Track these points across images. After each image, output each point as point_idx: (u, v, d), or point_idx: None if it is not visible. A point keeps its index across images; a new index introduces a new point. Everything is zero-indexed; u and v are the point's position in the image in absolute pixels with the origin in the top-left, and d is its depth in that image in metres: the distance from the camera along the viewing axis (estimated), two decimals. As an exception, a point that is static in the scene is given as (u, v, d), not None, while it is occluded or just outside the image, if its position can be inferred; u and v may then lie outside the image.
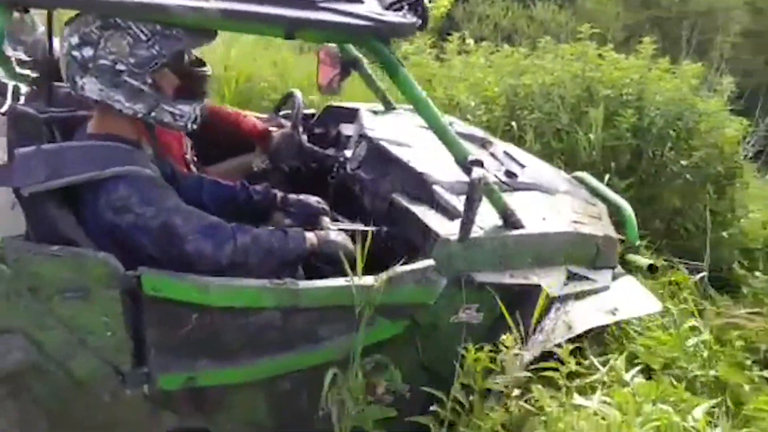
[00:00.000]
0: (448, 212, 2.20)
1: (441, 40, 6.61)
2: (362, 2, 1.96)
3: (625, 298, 2.39)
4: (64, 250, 1.68)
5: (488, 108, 5.08)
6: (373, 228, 2.19)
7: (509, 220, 2.19)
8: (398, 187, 2.38)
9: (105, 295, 1.70)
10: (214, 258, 1.84)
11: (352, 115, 2.99)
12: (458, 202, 2.17)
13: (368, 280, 1.90)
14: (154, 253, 1.81)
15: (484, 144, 2.88)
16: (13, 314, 1.68)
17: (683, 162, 4.53)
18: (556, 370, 1.90)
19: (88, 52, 1.78)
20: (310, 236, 2.04)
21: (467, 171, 2.02)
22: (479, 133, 3.06)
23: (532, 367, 1.94)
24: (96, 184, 1.77)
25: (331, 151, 2.84)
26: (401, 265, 1.95)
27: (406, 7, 2.02)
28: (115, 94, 1.82)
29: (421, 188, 2.32)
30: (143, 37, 1.78)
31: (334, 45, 2.57)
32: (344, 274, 1.90)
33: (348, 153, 2.72)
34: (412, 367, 2.04)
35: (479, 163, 2.03)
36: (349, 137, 2.86)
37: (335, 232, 2.12)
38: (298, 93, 2.96)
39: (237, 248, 1.87)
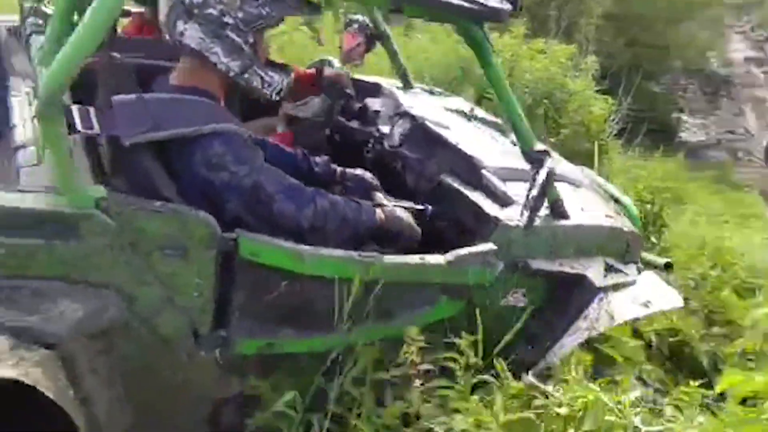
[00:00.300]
0: (498, 198, 2.25)
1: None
2: None
3: (654, 293, 2.50)
4: (166, 207, 1.66)
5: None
6: (429, 207, 2.22)
7: (558, 210, 2.26)
8: (445, 168, 2.40)
9: (202, 256, 1.69)
10: (295, 220, 1.84)
11: (374, 90, 2.98)
12: (506, 188, 2.27)
13: (439, 259, 1.97)
14: (241, 212, 1.79)
15: (503, 131, 2.93)
16: (112, 269, 1.63)
17: (551, 140, 4.68)
18: (454, 360, 1.92)
19: None
20: (379, 212, 2.05)
21: (536, 160, 2.13)
22: (495, 122, 3.12)
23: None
24: (191, 139, 1.75)
25: (355, 124, 2.80)
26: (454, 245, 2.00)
27: None
28: (215, 46, 1.78)
29: (471, 172, 2.35)
30: None
31: (360, 17, 2.67)
32: (406, 251, 1.94)
33: (384, 128, 2.69)
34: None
35: (547, 154, 2.15)
36: (377, 112, 2.83)
37: (400, 209, 2.11)
38: (332, 59, 2.92)
39: (317, 211, 1.87)
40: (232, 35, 1.79)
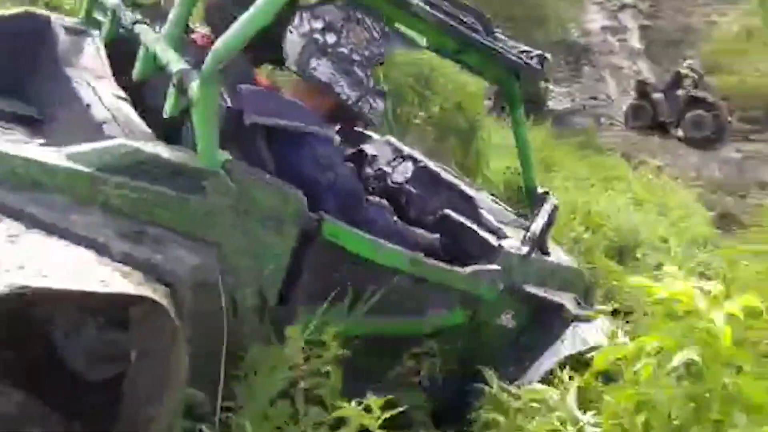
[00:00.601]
0: (495, 232, 2.55)
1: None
2: (502, 45, 2.30)
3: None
4: (275, 180, 1.79)
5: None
6: (440, 236, 2.47)
7: (543, 246, 2.59)
8: (446, 205, 2.68)
9: (290, 231, 1.80)
10: (377, 227, 2.05)
11: (367, 139, 3.26)
12: (497, 224, 2.61)
13: (461, 270, 2.25)
14: (333, 211, 1.91)
15: (475, 188, 3.22)
16: (221, 229, 1.72)
17: (422, 114, 4.66)
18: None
19: (331, 38, 1.99)
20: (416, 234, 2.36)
21: (540, 199, 2.52)
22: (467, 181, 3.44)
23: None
24: (303, 135, 1.94)
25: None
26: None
27: (535, 57, 2.42)
28: (342, 79, 2.02)
29: (470, 209, 2.67)
30: (376, 35, 2.06)
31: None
32: None
33: (387, 168, 3.01)
34: (450, 358, 2.28)
35: (548, 193, 2.53)
36: (374, 156, 3.13)
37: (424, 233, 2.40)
38: None
39: (384, 225, 2.14)
40: (357, 70, 2.04)
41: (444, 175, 2.93)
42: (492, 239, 2.48)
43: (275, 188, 1.78)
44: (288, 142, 1.93)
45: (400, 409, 1.71)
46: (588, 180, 9.38)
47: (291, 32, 2.01)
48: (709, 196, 11.68)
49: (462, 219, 2.59)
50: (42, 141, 1.92)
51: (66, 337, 1.79)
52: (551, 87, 16.07)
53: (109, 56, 2.23)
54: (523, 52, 2.42)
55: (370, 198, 2.36)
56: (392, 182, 2.92)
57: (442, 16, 2.06)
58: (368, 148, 3.17)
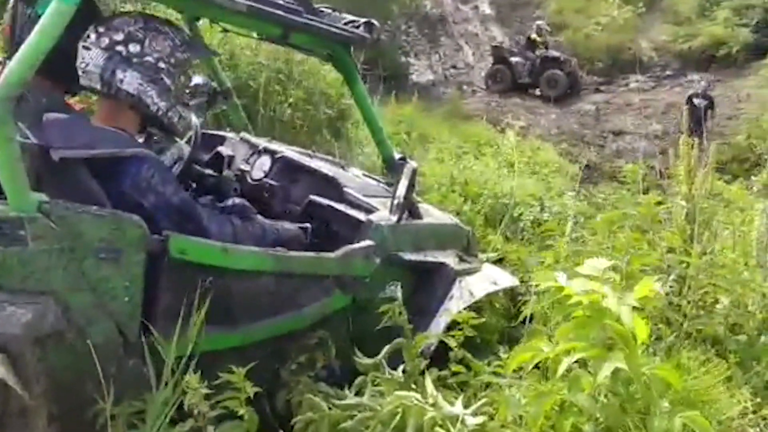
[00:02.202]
0: (363, 208, 2.55)
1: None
2: (328, 19, 2.34)
3: (496, 275, 2.95)
4: (105, 210, 1.73)
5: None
6: (308, 225, 2.47)
7: (414, 211, 2.63)
8: (309, 191, 2.67)
9: (133, 259, 1.73)
10: (220, 236, 2.02)
11: (221, 140, 3.19)
12: (365, 199, 2.61)
13: (331, 254, 2.25)
14: (172, 230, 1.85)
15: (343, 166, 3.23)
16: (52, 275, 1.63)
17: (286, 106, 4.50)
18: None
19: (135, 48, 1.94)
20: (275, 229, 2.34)
21: (398, 167, 2.53)
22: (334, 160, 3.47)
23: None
24: (119, 164, 1.88)
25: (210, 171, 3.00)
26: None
27: (363, 26, 2.42)
28: (150, 89, 1.97)
29: (334, 190, 2.65)
30: (178, 42, 2.03)
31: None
32: None
33: (245, 167, 2.95)
34: (343, 343, 2.24)
35: (405, 160, 2.56)
36: (231, 157, 2.99)
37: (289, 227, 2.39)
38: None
39: (236, 230, 2.11)
40: (165, 78, 2.00)
41: (304, 160, 2.91)
42: (360, 215, 2.49)
43: (104, 219, 1.70)
44: (106, 171, 1.88)
45: None
46: (461, 148, 9.61)
47: (88, 48, 1.93)
48: (572, 149, 12.33)
49: (327, 202, 2.58)
50: None
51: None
52: (412, 60, 16.30)
53: None
54: (349, 22, 2.41)
55: (228, 202, 2.37)
56: (251, 179, 2.88)
57: (251, 3, 1.99)
58: (224, 150, 3.08)
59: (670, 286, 2.49)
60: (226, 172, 2.94)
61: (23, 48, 1.64)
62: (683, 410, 1.53)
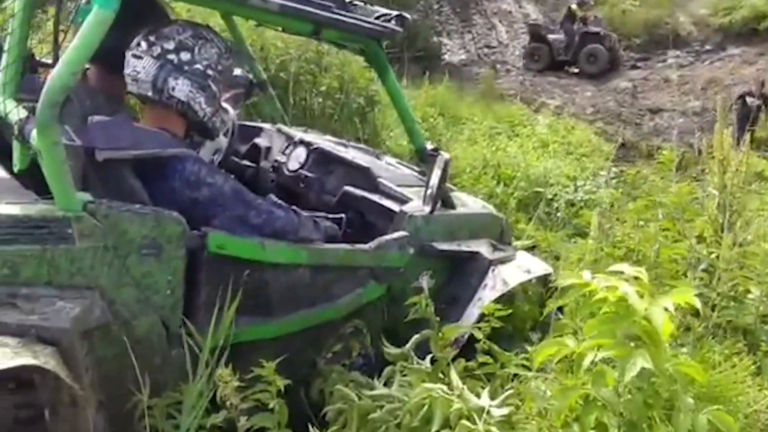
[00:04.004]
0: (396, 198, 2.62)
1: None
2: (359, 13, 2.36)
3: (530, 263, 2.92)
4: (147, 208, 1.80)
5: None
6: (343, 216, 2.53)
7: (447, 200, 2.63)
8: (344, 182, 2.74)
9: (174, 254, 1.81)
10: (269, 226, 2.06)
11: (258, 132, 3.25)
12: (399, 190, 2.67)
13: (365, 246, 2.29)
14: (225, 222, 1.96)
15: (378, 155, 3.28)
16: (97, 271, 1.71)
17: (317, 96, 4.55)
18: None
19: (186, 56, 2.01)
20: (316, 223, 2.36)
21: (431, 157, 2.50)
22: (368, 149, 3.52)
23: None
24: (164, 164, 1.94)
25: (247, 163, 3.08)
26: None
27: (394, 20, 2.43)
28: (199, 96, 2.04)
29: (368, 181, 2.72)
30: (223, 49, 2.10)
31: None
32: None
33: (281, 158, 3.02)
34: (378, 332, 2.29)
35: (437, 150, 2.55)
36: (268, 148, 3.15)
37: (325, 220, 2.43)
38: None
39: (287, 220, 2.12)
40: (213, 85, 2.06)
41: (339, 151, 2.98)
42: (393, 206, 2.54)
43: (146, 217, 1.78)
44: (153, 170, 1.94)
45: None
46: (495, 129, 9.55)
47: (139, 57, 1.99)
48: (608, 128, 12.15)
49: (361, 193, 2.65)
50: None
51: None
52: (444, 40, 16.15)
53: None
54: (381, 16, 2.44)
55: (269, 196, 2.38)
56: (288, 171, 2.95)
57: (283, 2, 2.02)
58: (261, 141, 3.17)
59: (700, 278, 2.48)
60: (263, 164, 3.05)
61: (66, 55, 1.70)
62: (708, 406, 1.54)
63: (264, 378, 1.73)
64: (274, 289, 2.04)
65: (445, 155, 2.49)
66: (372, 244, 2.30)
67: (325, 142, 3.14)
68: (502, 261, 2.73)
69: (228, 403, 1.68)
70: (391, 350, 2.11)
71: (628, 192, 5.73)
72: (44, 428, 1.63)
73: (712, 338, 2.35)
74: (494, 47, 16.77)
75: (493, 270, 2.63)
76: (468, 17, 17.32)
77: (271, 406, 1.73)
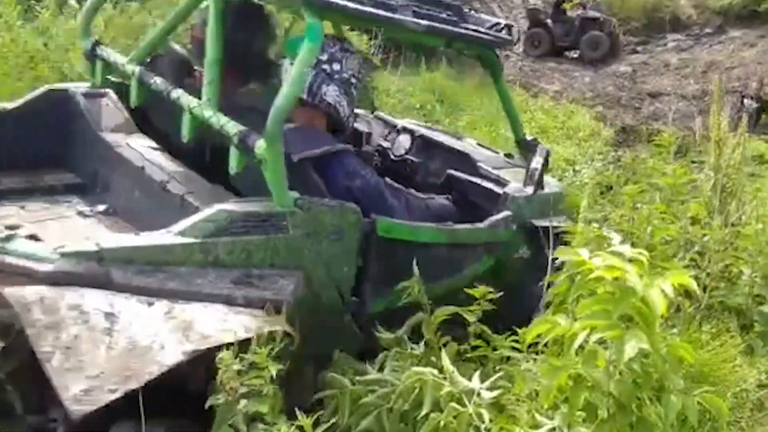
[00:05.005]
0: (496, 181, 2.99)
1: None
2: (472, 21, 2.80)
3: None
4: (334, 201, 2.20)
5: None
6: (449, 197, 2.93)
7: (540, 182, 2.95)
8: (446, 166, 3.13)
9: (352, 238, 2.21)
10: (401, 215, 2.44)
11: (356, 118, 3.54)
12: (497, 173, 3.04)
13: (481, 225, 2.69)
14: (376, 209, 2.32)
15: (459, 137, 3.69)
16: (303, 254, 2.10)
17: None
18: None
19: (336, 66, 2.43)
20: (434, 203, 2.83)
21: (531, 146, 2.99)
22: (452, 132, 4.04)
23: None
24: (333, 158, 2.35)
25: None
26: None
27: (504, 29, 2.83)
28: (343, 100, 2.44)
29: (469, 166, 3.10)
30: (362, 61, 2.52)
31: None
32: None
33: (385, 144, 3.43)
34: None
35: (537, 140, 3.00)
36: (369, 134, 3.54)
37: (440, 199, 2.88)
38: None
39: (410, 206, 2.57)
40: (354, 91, 2.47)
41: (438, 137, 3.40)
42: (495, 188, 2.93)
43: (334, 208, 2.17)
44: (324, 165, 2.32)
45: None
46: (495, 115, 9.50)
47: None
48: (607, 112, 12.09)
49: (465, 176, 3.04)
50: (103, 207, 2.37)
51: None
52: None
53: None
54: (492, 26, 2.82)
55: (396, 186, 2.76)
56: (394, 156, 3.35)
57: (428, 22, 2.42)
58: (360, 126, 3.54)
59: (692, 258, 2.49)
60: (366, 148, 3.39)
61: (291, 81, 2.06)
62: (698, 387, 1.54)
63: (257, 364, 1.74)
64: (421, 265, 2.27)
65: (545, 146, 2.92)
66: (486, 223, 2.70)
67: (420, 128, 3.54)
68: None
69: (228, 387, 1.72)
70: (383, 335, 2.13)
71: (627, 176, 5.71)
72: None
73: (703, 319, 2.35)
74: (493, 33, 16.64)
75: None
76: (466, 2, 17.19)
77: (264, 392, 1.74)
